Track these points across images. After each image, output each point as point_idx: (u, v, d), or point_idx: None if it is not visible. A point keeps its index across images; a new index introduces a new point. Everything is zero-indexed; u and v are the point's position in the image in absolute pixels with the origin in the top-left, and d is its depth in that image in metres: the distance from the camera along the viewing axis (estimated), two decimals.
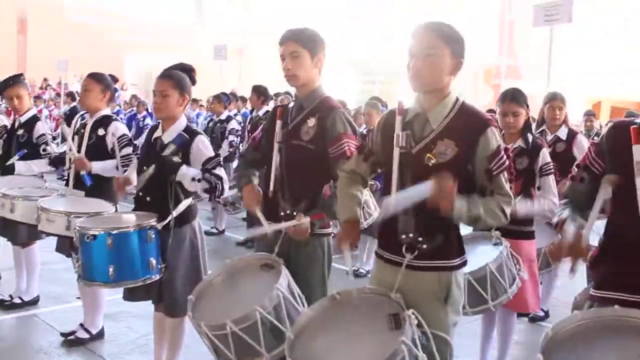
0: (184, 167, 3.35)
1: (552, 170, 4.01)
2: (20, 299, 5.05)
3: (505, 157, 2.38)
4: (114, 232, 3.24)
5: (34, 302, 5.11)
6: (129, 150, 4.15)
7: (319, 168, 2.95)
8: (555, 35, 7.75)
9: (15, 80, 4.97)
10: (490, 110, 13.24)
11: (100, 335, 4.46)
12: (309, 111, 3.01)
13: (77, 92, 14.93)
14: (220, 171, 3.43)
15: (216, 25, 30.00)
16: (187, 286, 3.44)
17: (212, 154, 3.48)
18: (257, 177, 3.28)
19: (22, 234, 4.81)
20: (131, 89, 23.79)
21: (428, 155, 2.36)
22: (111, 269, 3.22)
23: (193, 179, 3.34)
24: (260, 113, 7.63)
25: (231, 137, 7.69)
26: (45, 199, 3.82)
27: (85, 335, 4.37)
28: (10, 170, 4.70)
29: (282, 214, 3.00)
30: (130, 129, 11.96)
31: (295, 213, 2.95)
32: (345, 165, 2.73)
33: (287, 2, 29.94)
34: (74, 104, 13.13)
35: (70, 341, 4.34)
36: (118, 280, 3.26)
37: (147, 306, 3.83)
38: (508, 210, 2.36)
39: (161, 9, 28.20)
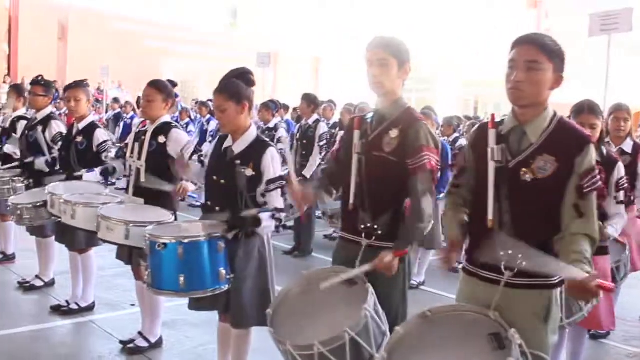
0: (262, 221, 3.30)
1: (626, 184, 3.89)
2: (77, 305, 5.05)
3: (598, 176, 2.30)
4: (185, 241, 3.19)
5: (90, 308, 5.11)
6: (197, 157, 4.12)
7: (401, 181, 2.87)
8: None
9: (78, 83, 5.02)
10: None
11: (159, 343, 4.42)
12: (391, 122, 2.93)
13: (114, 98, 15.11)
14: (278, 196, 3.39)
15: (250, 31, 30.21)
16: (254, 297, 3.41)
17: (279, 172, 3.44)
18: (333, 192, 3.23)
19: (80, 240, 4.81)
20: None
21: (524, 169, 2.29)
22: (182, 279, 3.17)
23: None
24: (310, 121, 7.54)
25: (280, 145, 7.62)
26: (105, 206, 3.79)
27: (144, 344, 4.33)
28: (74, 179, 4.72)
29: (362, 227, 2.93)
30: None
31: (375, 227, 2.88)
32: (448, 187, 2.69)
33: (321, 8, 29.96)
34: (118, 109, 13.30)
35: (130, 349, 4.31)
36: (188, 290, 3.21)
37: (204, 314, 3.80)
38: (596, 236, 2.27)
39: (197, 16, 28.43)
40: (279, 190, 3.41)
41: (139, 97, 20.89)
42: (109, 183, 10.44)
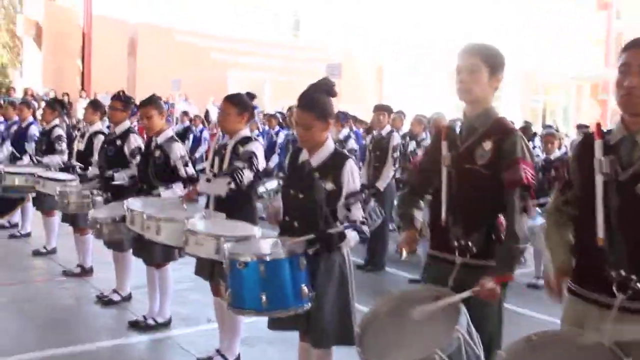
0: (349, 238, 3.22)
1: None
2: (154, 320, 5.06)
3: None
4: (267, 259, 3.11)
5: (167, 324, 5.12)
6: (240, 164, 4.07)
7: (495, 194, 2.73)
8: None
9: (148, 100, 5.03)
10: (582, 126, 12.55)
11: None
12: (483, 133, 2.79)
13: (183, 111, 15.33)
14: (359, 210, 3.31)
15: (312, 42, 30.34)
16: (335, 315, 3.31)
17: (358, 186, 3.34)
18: (421, 208, 3.11)
19: (158, 255, 4.83)
20: None
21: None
22: (264, 297, 3.08)
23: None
24: (384, 132, 7.39)
25: None
26: (191, 221, 3.76)
27: None
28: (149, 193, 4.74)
29: (455, 244, 2.79)
30: None
31: (469, 243, 2.73)
32: (549, 205, 2.54)
33: (386, 16, 29.78)
34: (187, 122, 13.49)
35: None
36: (271, 309, 3.11)
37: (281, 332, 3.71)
38: None
39: (261, 28, 28.75)
40: (359, 203, 3.32)
41: (207, 110, 21.42)
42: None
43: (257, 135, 11.79)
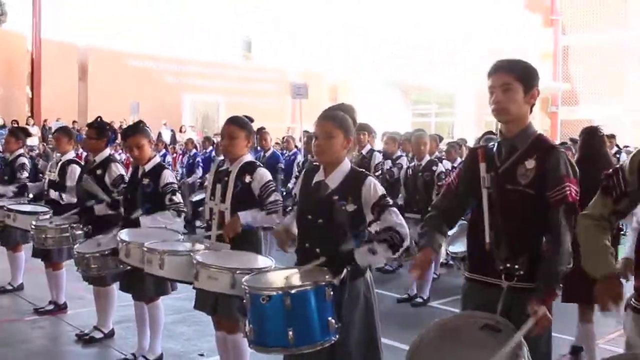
0: (368, 256, 3.03)
1: None
2: (145, 358, 4.75)
3: None
4: (293, 291, 2.89)
5: None
6: (276, 196, 3.85)
7: (540, 214, 2.61)
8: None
9: (134, 129, 4.76)
10: (563, 143, 12.73)
11: None
12: (524, 151, 2.68)
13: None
14: (389, 216, 3.09)
15: (265, 63, 30.25)
16: (361, 346, 3.12)
17: (381, 192, 3.14)
18: (445, 235, 2.96)
19: (150, 289, 4.55)
20: (189, 130, 23.98)
21: None
22: (290, 333, 2.86)
23: (372, 252, 3.03)
24: (364, 152, 7.28)
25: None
26: (198, 254, 3.51)
27: None
28: (135, 224, 4.45)
29: (501, 267, 2.64)
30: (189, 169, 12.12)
31: (516, 266, 2.60)
32: (590, 210, 2.44)
33: (339, 35, 29.93)
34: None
35: None
36: (298, 345, 2.88)
37: None
38: None
39: (214, 50, 28.53)
40: (390, 209, 3.11)
41: (159, 134, 21.00)
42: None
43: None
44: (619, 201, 2.36)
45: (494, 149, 2.79)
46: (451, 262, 8.69)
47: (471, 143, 11.47)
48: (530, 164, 2.64)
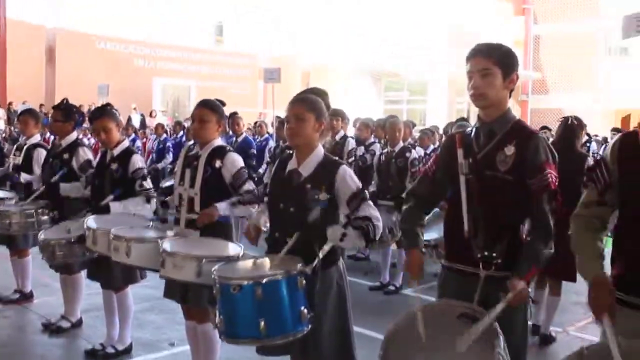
0: (338, 234, 2.92)
1: None
2: (114, 347, 4.65)
3: None
4: (263, 281, 2.82)
5: (128, 350, 4.72)
6: (250, 185, 3.76)
7: (519, 202, 2.58)
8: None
9: (101, 112, 4.61)
10: (544, 128, 12.83)
11: None
12: (503, 137, 2.64)
13: None
14: (367, 208, 3.03)
15: (237, 47, 29.97)
16: (333, 338, 3.07)
17: (358, 186, 3.08)
18: (424, 224, 2.92)
19: (118, 278, 4.45)
20: (160, 115, 23.66)
21: None
22: (262, 323, 2.79)
23: (343, 236, 2.93)
24: (337, 137, 7.21)
25: None
26: (165, 241, 3.42)
27: None
28: (104, 211, 4.33)
29: (478, 255, 2.61)
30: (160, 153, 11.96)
31: (494, 254, 2.56)
32: (580, 210, 2.41)
33: (314, 21, 29.73)
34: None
35: None
36: (270, 335, 2.82)
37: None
38: None
39: (185, 34, 28.20)
40: (368, 202, 3.05)
41: (129, 117, 20.67)
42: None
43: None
44: (604, 193, 2.32)
45: (472, 134, 2.74)
46: (423, 249, 8.73)
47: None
48: (509, 150, 2.59)
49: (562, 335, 5.46)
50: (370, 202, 3.08)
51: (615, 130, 15.68)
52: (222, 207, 3.65)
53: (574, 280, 4.88)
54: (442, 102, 27.71)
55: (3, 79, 22.77)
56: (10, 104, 21.35)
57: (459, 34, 25.49)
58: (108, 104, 4.78)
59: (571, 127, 5.20)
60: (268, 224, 3.29)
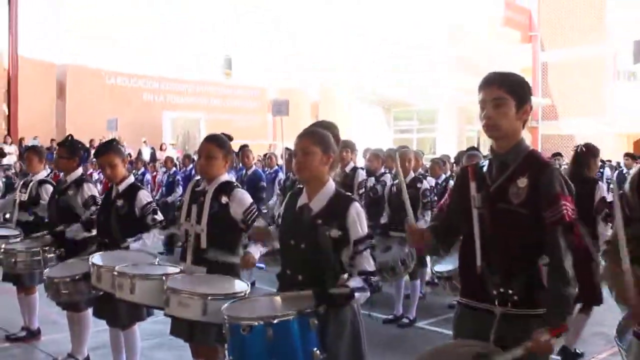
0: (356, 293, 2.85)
1: None
2: None
3: None
4: (275, 321, 2.71)
5: None
6: (260, 223, 3.68)
7: (534, 236, 2.47)
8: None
9: (107, 147, 4.58)
10: (557, 154, 12.71)
11: None
12: (516, 168, 2.54)
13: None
14: (364, 261, 2.96)
15: (245, 80, 30.13)
16: None
17: (365, 232, 2.99)
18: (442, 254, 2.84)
19: (124, 316, 4.34)
20: (170, 148, 23.72)
21: None
22: None
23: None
24: (347, 169, 7.09)
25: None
26: (171, 278, 3.33)
27: None
28: (108, 247, 4.26)
29: (494, 292, 2.49)
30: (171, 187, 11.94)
31: (510, 291, 2.44)
32: (608, 247, 2.37)
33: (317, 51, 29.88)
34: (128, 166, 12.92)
35: None
36: None
37: None
38: None
39: (194, 68, 28.41)
40: (369, 250, 2.99)
41: (139, 151, 20.73)
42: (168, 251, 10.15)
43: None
44: (628, 226, 2.22)
45: (485, 167, 2.65)
46: (436, 281, 8.57)
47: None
48: (522, 182, 2.50)
49: None
50: (368, 253, 2.99)
51: (628, 155, 15.52)
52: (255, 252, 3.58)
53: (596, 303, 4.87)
54: (452, 131, 27.64)
55: (15, 115, 22.94)
56: (22, 139, 21.47)
57: (467, 61, 25.54)
58: (114, 140, 4.75)
59: (580, 155, 5.20)
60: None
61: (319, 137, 3.06)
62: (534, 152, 2.62)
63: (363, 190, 7.01)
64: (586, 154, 5.19)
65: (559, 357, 5.14)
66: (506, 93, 2.52)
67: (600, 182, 5.16)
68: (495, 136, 2.58)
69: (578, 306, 5.17)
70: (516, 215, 2.48)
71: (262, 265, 6.94)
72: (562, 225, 2.43)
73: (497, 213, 2.52)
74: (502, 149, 2.58)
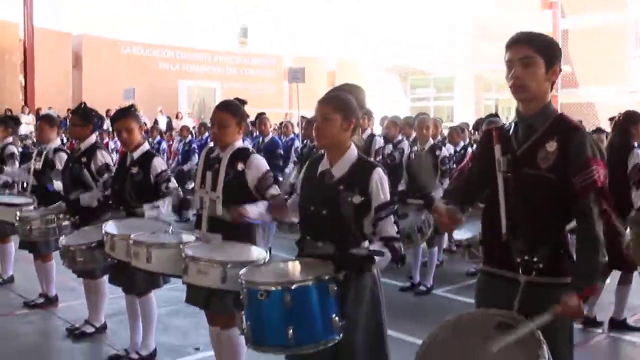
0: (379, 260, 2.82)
1: None
2: (138, 353, 4.53)
3: None
4: (293, 287, 2.65)
5: (152, 356, 4.58)
6: (276, 189, 3.58)
7: (562, 202, 2.37)
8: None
9: (125, 112, 4.52)
10: (598, 130, 12.40)
11: None
12: (544, 132, 2.43)
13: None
14: (388, 226, 2.88)
15: (261, 48, 29.92)
16: (366, 347, 2.88)
17: (387, 197, 2.90)
18: (463, 218, 2.72)
19: (140, 283, 4.31)
20: (186, 117, 23.67)
21: None
22: (290, 331, 2.63)
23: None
24: (364, 136, 7.00)
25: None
26: (189, 246, 3.27)
27: None
28: (130, 214, 4.22)
29: (518, 259, 2.40)
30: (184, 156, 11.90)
31: (535, 259, 2.35)
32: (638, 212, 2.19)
33: (335, 20, 29.57)
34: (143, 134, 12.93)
35: None
36: (299, 344, 2.65)
37: None
38: None
39: (209, 36, 28.23)
40: (392, 216, 2.90)
41: (155, 120, 20.69)
42: (184, 219, 10.16)
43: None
44: None
45: (511, 130, 2.54)
46: (454, 248, 8.47)
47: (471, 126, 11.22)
48: (551, 146, 2.39)
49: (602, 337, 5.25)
50: (391, 219, 2.91)
51: None
52: (254, 212, 3.45)
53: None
54: (469, 99, 27.32)
55: (32, 85, 22.92)
56: (38, 109, 21.50)
57: (485, 29, 25.13)
58: (132, 105, 4.68)
59: (618, 123, 5.16)
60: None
61: (340, 103, 2.95)
62: (563, 116, 2.50)
63: (380, 157, 6.92)
64: (626, 122, 5.12)
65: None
66: (535, 52, 2.40)
67: (635, 149, 5.03)
68: (523, 98, 2.46)
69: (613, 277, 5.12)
70: (544, 181, 2.38)
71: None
72: (594, 191, 2.33)
73: (524, 178, 2.42)
74: (530, 111, 2.47)
